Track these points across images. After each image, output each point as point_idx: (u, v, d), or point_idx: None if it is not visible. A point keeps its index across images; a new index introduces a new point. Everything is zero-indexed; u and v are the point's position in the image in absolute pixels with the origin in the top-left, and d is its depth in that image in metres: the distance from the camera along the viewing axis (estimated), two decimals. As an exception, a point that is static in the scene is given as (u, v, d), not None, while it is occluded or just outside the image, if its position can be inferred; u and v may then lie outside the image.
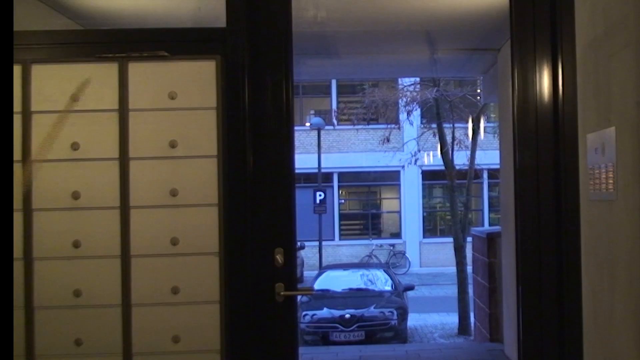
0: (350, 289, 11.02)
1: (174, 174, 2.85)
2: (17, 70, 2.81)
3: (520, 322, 2.98)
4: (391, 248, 20.15)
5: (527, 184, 2.96)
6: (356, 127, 17.73)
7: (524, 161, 2.97)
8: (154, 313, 2.82)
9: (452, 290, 12.36)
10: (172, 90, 2.86)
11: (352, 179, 21.48)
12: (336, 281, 11.33)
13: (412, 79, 13.35)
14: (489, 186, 20.36)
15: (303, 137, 20.53)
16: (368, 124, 17.15)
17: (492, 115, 17.40)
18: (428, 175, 20.07)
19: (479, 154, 12.09)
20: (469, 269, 9.39)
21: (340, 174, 21.10)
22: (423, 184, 20.75)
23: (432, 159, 16.60)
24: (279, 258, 2.85)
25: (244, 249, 2.90)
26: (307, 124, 19.97)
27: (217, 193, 2.84)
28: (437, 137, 12.50)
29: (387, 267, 14.35)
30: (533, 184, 2.93)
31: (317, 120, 18.77)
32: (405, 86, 13.59)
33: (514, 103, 3.03)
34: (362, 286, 11.27)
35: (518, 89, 2.99)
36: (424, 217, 21.07)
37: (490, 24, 4.87)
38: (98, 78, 2.86)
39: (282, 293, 2.85)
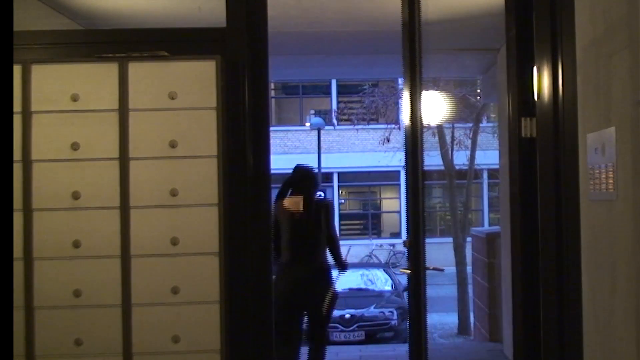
0: (350, 289, 11.01)
1: (174, 174, 2.85)
2: (17, 70, 2.81)
3: (519, 323, 2.99)
4: (391, 248, 20.13)
5: (527, 184, 2.96)
6: (356, 127, 17.71)
7: (522, 161, 2.97)
8: (154, 313, 2.82)
9: (452, 290, 12.34)
10: (172, 90, 2.86)
11: (352, 179, 21.47)
12: (336, 281, 11.26)
13: (412, 79, 13.34)
14: (488, 186, 20.35)
15: (303, 137, 20.53)
16: (368, 124, 17.13)
17: (492, 116, 17.40)
18: (428, 175, 20.08)
19: (478, 154, 12.08)
20: (469, 269, 9.39)
21: (340, 174, 21.08)
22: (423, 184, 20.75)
23: (432, 158, 16.59)
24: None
25: (244, 249, 2.90)
26: (307, 124, 19.96)
27: (217, 193, 2.84)
28: (436, 137, 12.49)
29: (387, 267, 14.33)
30: (533, 184, 2.93)
31: (317, 120, 18.75)
32: (405, 86, 13.57)
33: (512, 103, 3.03)
34: (362, 286, 11.24)
35: (518, 89, 3.00)
36: (423, 217, 21.07)
37: (491, 24, 4.87)
38: (98, 78, 2.86)
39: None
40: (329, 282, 4.71)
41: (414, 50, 2.79)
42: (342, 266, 5.02)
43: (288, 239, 4.50)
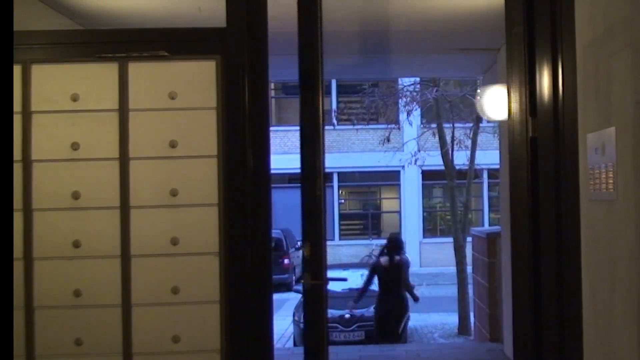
0: (350, 289, 10.99)
1: (174, 174, 2.85)
2: (17, 70, 2.82)
3: (519, 323, 2.98)
4: (391, 248, 20.10)
5: (526, 184, 2.95)
6: (356, 127, 17.71)
7: (522, 161, 2.97)
8: (154, 313, 2.82)
9: (452, 290, 12.34)
10: (172, 90, 2.86)
11: (352, 179, 21.47)
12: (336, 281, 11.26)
13: (412, 79, 13.34)
14: (489, 186, 20.33)
15: (303, 137, 20.49)
16: (368, 124, 17.11)
17: (492, 115, 17.35)
18: (428, 175, 20.06)
19: (479, 154, 12.08)
20: (469, 269, 9.39)
21: (340, 174, 21.08)
22: (423, 184, 20.74)
23: (432, 158, 16.61)
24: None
25: (244, 249, 2.90)
26: (307, 124, 19.91)
27: (217, 193, 2.84)
28: (437, 137, 12.49)
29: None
30: (532, 184, 2.93)
31: (317, 120, 18.72)
32: (405, 86, 13.56)
33: (519, 103, 3.03)
34: (362, 286, 11.23)
35: (517, 89, 2.99)
36: (424, 217, 21.06)
37: (491, 23, 4.87)
38: (98, 78, 2.86)
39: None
40: (406, 306, 8.46)
41: (316, 51, 2.73)
42: (414, 298, 8.41)
43: (381, 280, 7.98)
